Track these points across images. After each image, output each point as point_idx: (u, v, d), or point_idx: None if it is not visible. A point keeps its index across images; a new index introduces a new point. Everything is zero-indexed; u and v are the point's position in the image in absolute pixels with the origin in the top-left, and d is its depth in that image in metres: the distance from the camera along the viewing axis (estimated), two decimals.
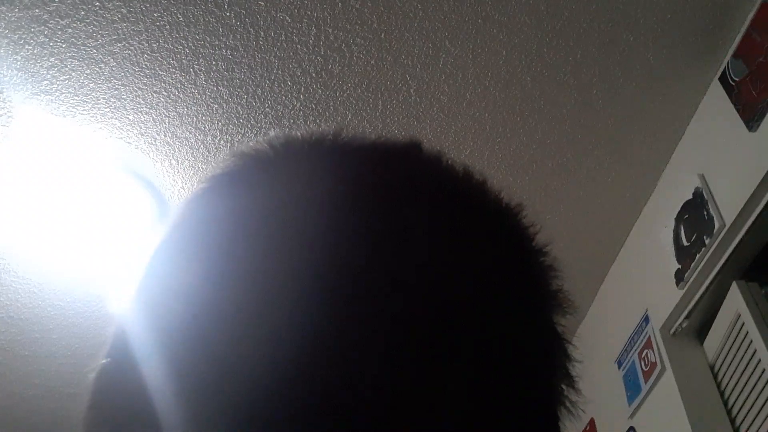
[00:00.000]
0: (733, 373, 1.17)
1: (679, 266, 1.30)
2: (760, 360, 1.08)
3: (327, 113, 1.30)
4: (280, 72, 1.23)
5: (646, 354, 1.38)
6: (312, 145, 0.29)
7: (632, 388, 1.41)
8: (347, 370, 0.21)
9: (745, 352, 1.13)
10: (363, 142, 0.31)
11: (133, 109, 1.25)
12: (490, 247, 0.27)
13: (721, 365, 1.23)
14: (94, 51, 1.16)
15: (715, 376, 1.24)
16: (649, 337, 1.38)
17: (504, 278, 0.26)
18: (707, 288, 1.25)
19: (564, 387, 0.26)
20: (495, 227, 0.28)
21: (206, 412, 0.21)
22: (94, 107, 1.24)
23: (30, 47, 1.14)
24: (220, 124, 1.30)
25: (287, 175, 0.28)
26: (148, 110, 1.26)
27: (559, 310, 0.28)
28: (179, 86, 1.23)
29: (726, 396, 1.19)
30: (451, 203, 0.28)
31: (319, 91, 1.26)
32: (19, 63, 1.15)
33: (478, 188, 0.29)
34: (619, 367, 1.50)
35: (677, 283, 1.30)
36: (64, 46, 1.14)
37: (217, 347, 0.22)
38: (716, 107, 1.26)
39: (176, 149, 1.33)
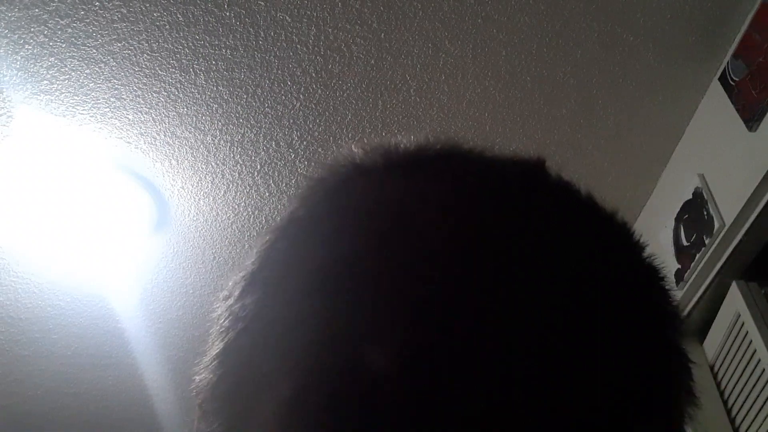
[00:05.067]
0: (733, 373, 1.17)
1: (679, 266, 1.30)
2: (759, 360, 1.08)
3: (327, 113, 1.30)
4: (279, 72, 1.23)
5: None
6: (418, 156, 0.29)
7: None
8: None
9: (745, 352, 1.13)
10: (477, 157, 0.30)
11: (132, 109, 1.25)
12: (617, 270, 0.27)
13: (720, 365, 1.23)
14: (94, 51, 1.16)
15: (715, 376, 1.24)
16: None
17: (628, 296, 0.26)
18: (707, 288, 1.25)
19: (689, 410, 0.26)
20: (618, 251, 0.28)
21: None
22: (93, 107, 1.24)
23: (30, 47, 1.14)
24: (219, 124, 1.30)
25: (396, 188, 0.27)
26: (147, 110, 1.26)
27: (680, 330, 0.28)
28: (179, 86, 1.23)
29: (726, 396, 1.19)
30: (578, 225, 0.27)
31: (319, 91, 1.26)
32: (18, 63, 1.15)
33: (605, 213, 0.29)
34: None
35: (677, 283, 1.30)
36: (63, 46, 1.14)
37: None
38: (716, 107, 1.26)
39: (176, 149, 1.33)
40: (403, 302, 0.23)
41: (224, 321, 0.28)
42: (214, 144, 1.33)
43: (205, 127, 1.30)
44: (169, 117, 1.27)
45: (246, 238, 1.52)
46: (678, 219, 1.33)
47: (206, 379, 0.28)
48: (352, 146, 0.30)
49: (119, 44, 1.15)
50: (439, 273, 0.23)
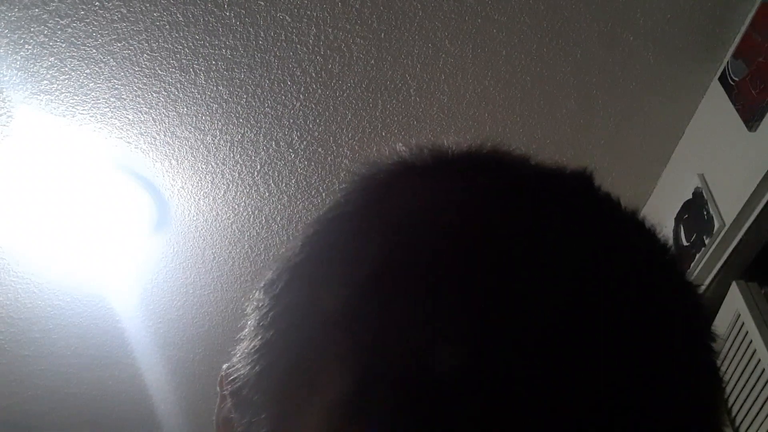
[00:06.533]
0: (733, 373, 1.17)
1: None
2: (759, 360, 1.08)
3: (327, 113, 1.30)
4: (279, 72, 1.23)
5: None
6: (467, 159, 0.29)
7: None
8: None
9: (745, 352, 1.13)
10: (524, 166, 0.29)
11: (132, 108, 1.25)
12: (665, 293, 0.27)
13: (720, 365, 1.22)
14: (94, 51, 1.16)
15: None
16: None
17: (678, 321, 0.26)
18: (707, 288, 1.25)
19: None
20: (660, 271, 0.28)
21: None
22: (93, 107, 1.24)
23: (30, 47, 1.14)
24: (219, 124, 1.30)
25: (450, 188, 0.27)
26: (147, 110, 1.26)
27: (709, 345, 0.28)
28: (179, 86, 1.23)
29: (726, 396, 1.19)
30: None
31: (319, 91, 1.26)
32: (18, 63, 1.15)
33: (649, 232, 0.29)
34: None
35: None
36: (63, 46, 1.14)
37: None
38: (716, 107, 1.26)
39: (176, 149, 1.33)
40: (469, 304, 0.23)
41: (269, 311, 0.27)
42: (214, 144, 1.33)
43: (205, 127, 1.30)
44: (169, 117, 1.27)
45: (246, 238, 1.52)
46: (678, 219, 1.33)
47: (246, 369, 0.27)
48: (398, 145, 0.29)
49: (119, 44, 1.15)
50: (508, 275, 0.23)
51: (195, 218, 1.47)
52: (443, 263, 0.24)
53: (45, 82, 1.19)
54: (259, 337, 0.27)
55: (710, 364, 0.27)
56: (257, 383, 0.27)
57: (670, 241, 0.28)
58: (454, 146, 0.29)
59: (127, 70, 1.19)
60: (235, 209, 1.46)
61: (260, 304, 0.28)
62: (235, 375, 0.28)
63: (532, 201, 0.27)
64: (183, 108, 1.26)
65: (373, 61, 1.22)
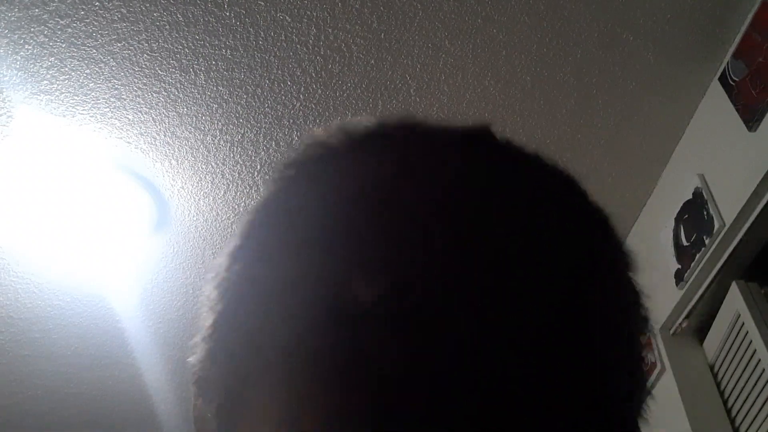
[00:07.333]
0: (733, 373, 1.17)
1: (679, 266, 1.30)
2: (759, 360, 1.08)
3: (327, 113, 1.30)
4: (279, 72, 1.23)
5: (646, 354, 1.38)
6: (375, 135, 0.30)
7: None
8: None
9: (745, 352, 1.13)
10: (430, 130, 0.31)
11: (132, 109, 1.25)
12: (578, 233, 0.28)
13: (720, 365, 1.23)
14: (94, 51, 1.16)
15: (715, 376, 1.24)
16: (649, 337, 1.38)
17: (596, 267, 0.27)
18: (707, 288, 1.25)
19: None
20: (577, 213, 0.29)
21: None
22: (93, 107, 1.24)
23: (30, 47, 1.14)
24: (219, 124, 1.30)
25: (353, 167, 0.28)
26: (147, 110, 1.26)
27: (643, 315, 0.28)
28: (179, 86, 1.23)
29: (726, 396, 1.19)
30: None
31: (319, 91, 1.26)
32: (18, 63, 1.15)
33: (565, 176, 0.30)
34: None
35: (677, 283, 1.30)
36: (63, 46, 1.14)
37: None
38: (716, 107, 1.26)
39: (176, 149, 1.33)
40: (381, 254, 0.24)
41: (213, 295, 0.29)
42: (214, 144, 1.33)
43: (205, 127, 1.30)
44: (169, 117, 1.27)
45: None
46: (678, 219, 1.33)
47: (200, 354, 0.28)
48: (315, 129, 0.31)
49: (119, 44, 1.15)
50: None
51: (195, 218, 1.47)
52: (356, 229, 0.25)
53: (45, 82, 1.19)
54: (208, 322, 0.28)
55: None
56: (208, 363, 0.28)
57: (567, 171, 0.31)
58: (365, 123, 0.30)
59: (127, 70, 1.19)
60: (235, 209, 1.46)
61: (207, 295, 0.29)
62: (195, 364, 0.29)
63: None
64: (183, 108, 1.26)
65: (373, 61, 1.23)
